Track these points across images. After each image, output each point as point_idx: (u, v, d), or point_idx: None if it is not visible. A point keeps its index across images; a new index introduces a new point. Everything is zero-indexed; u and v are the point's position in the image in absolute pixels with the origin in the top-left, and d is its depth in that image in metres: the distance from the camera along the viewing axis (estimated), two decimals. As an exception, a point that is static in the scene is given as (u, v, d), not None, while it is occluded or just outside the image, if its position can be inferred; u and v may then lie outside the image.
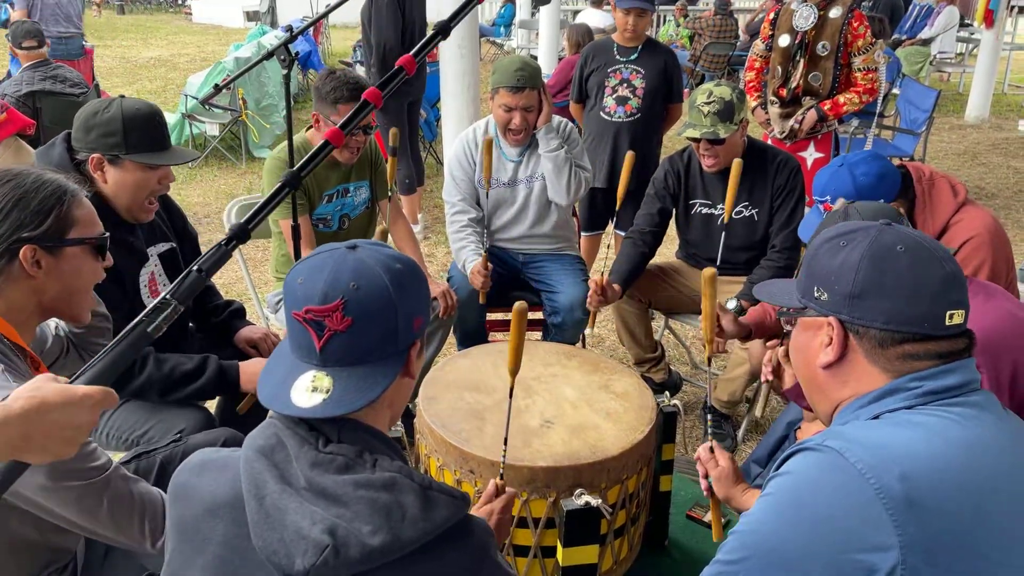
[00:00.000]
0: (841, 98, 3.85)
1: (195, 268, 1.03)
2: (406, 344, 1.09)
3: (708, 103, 2.79)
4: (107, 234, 1.57)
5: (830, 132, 4.03)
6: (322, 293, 1.04)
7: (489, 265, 2.93)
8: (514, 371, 1.65)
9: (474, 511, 1.54)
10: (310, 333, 1.05)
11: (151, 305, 0.99)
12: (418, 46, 1.22)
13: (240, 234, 1.08)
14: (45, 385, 0.92)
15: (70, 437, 0.93)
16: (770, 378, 2.00)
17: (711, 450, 1.77)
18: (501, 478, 1.68)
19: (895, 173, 2.16)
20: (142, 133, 2.02)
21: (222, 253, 1.06)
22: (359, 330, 1.04)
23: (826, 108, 3.86)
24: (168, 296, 1.00)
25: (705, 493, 1.79)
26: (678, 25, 11.68)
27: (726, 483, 1.72)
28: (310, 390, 1.04)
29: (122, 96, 2.11)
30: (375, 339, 1.06)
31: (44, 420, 0.90)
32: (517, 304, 1.60)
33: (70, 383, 0.94)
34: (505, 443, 1.74)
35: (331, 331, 1.04)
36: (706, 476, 1.77)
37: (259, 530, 0.98)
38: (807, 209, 3.00)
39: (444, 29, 1.25)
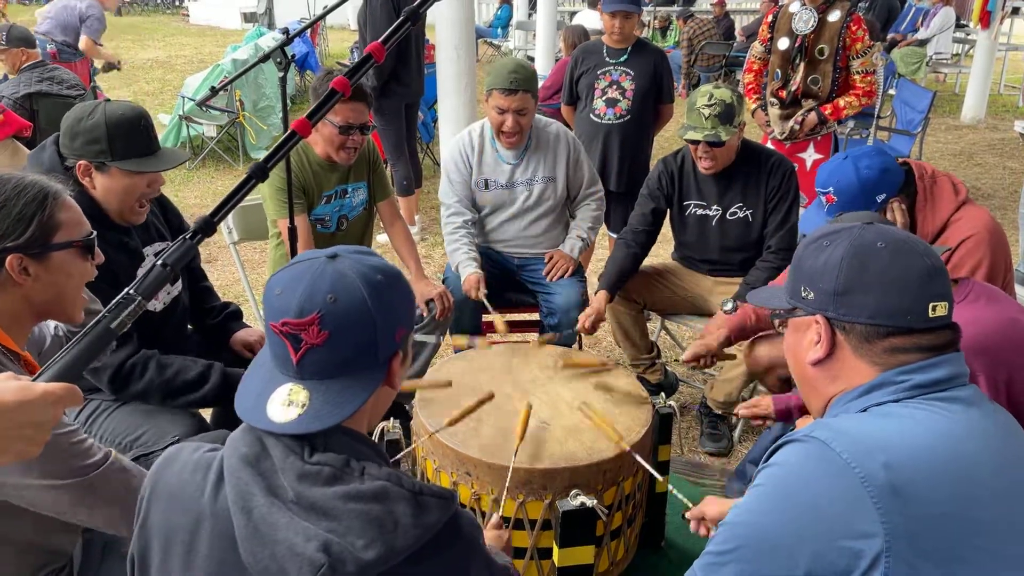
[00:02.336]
0: (841, 101, 3.86)
1: (159, 263, 1.01)
2: (387, 356, 1.07)
3: (709, 105, 2.79)
4: (93, 233, 1.54)
5: (830, 133, 4.04)
6: (298, 306, 1.01)
7: (484, 290, 2.92)
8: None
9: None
10: (287, 346, 1.03)
11: (114, 300, 0.96)
12: (386, 33, 1.19)
13: (205, 227, 1.06)
14: (3, 384, 0.89)
15: (31, 436, 0.90)
16: (757, 421, 2.11)
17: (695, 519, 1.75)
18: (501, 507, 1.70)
19: (898, 169, 2.17)
20: (127, 139, 1.99)
21: (187, 247, 1.03)
22: (336, 344, 1.02)
23: (827, 112, 3.87)
24: (132, 291, 0.97)
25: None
26: (665, 34, 11.79)
27: (715, 505, 1.70)
28: (286, 403, 1.02)
29: (107, 100, 2.08)
30: (353, 352, 1.04)
31: (1, 420, 0.87)
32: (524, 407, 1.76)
33: (32, 381, 0.91)
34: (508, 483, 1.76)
35: (308, 344, 1.02)
36: (708, 531, 1.72)
37: (248, 545, 0.97)
38: (803, 210, 3.01)
39: (413, 16, 1.22)
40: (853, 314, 1.20)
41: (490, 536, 1.54)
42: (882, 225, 1.25)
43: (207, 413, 2.45)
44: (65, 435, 1.38)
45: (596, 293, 3.04)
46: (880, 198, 2.09)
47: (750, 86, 4.19)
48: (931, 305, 1.18)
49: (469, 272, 2.96)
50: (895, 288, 1.18)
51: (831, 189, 2.15)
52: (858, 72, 3.85)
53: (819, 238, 1.27)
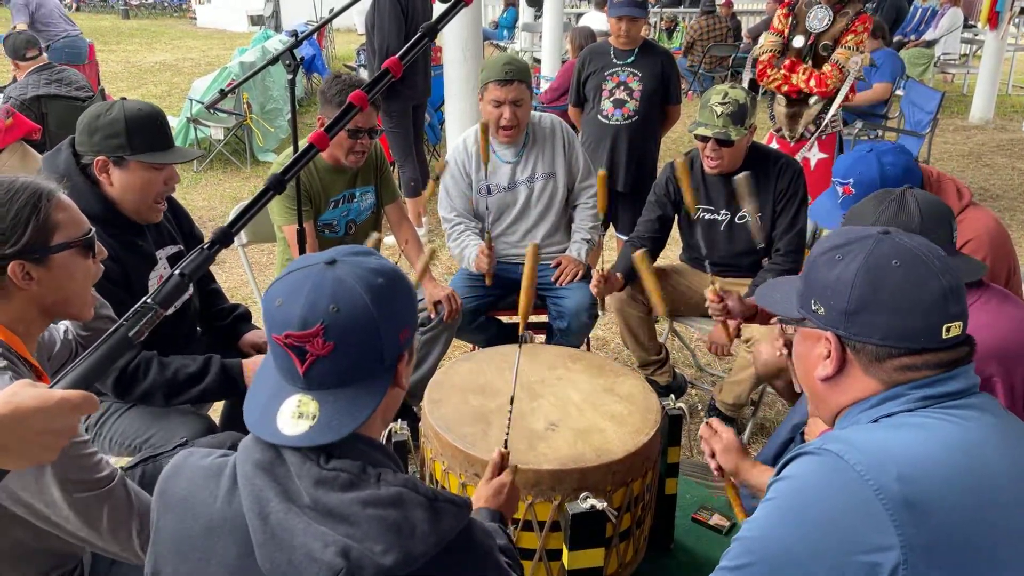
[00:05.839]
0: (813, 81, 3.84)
1: (177, 273, 1.00)
2: (393, 359, 1.07)
3: (722, 104, 2.79)
4: (92, 230, 1.52)
5: (834, 133, 4.03)
6: (301, 318, 1.00)
7: (492, 247, 2.95)
8: (525, 314, 1.80)
9: (482, 484, 1.55)
10: (292, 358, 1.02)
11: (132, 309, 0.97)
12: (404, 48, 1.20)
13: (223, 238, 1.06)
14: (21, 391, 0.90)
15: (49, 443, 0.90)
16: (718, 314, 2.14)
17: (711, 427, 1.77)
18: (506, 446, 1.66)
19: (917, 171, 2.15)
20: (146, 134, 2.02)
21: (204, 257, 1.03)
22: (342, 353, 1.01)
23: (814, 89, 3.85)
24: (149, 300, 0.97)
25: (716, 474, 1.79)
26: (670, 36, 11.75)
27: (732, 454, 1.72)
28: (296, 416, 1.02)
29: (123, 98, 2.11)
30: (359, 360, 1.03)
31: (20, 426, 0.87)
32: (530, 245, 1.77)
33: (49, 388, 0.91)
34: (511, 402, 1.74)
35: (313, 356, 1.01)
36: (712, 455, 1.76)
37: (265, 551, 0.96)
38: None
39: (431, 31, 1.23)
40: (864, 334, 1.18)
41: (484, 493, 1.50)
42: (899, 236, 1.21)
43: (216, 415, 2.46)
44: (77, 445, 1.37)
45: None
46: None
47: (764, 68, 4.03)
48: (945, 327, 1.15)
49: (476, 251, 2.98)
50: (908, 310, 1.15)
51: (851, 181, 2.10)
52: (832, 60, 3.80)
53: (833, 248, 1.23)
